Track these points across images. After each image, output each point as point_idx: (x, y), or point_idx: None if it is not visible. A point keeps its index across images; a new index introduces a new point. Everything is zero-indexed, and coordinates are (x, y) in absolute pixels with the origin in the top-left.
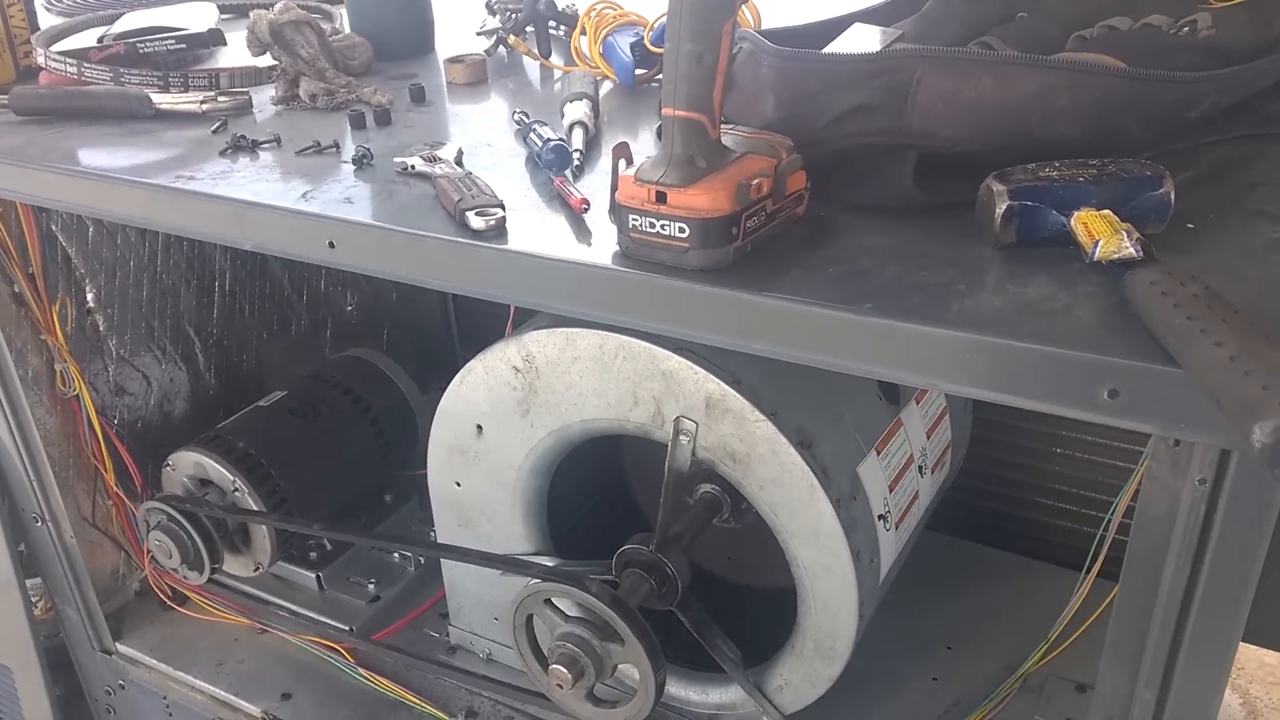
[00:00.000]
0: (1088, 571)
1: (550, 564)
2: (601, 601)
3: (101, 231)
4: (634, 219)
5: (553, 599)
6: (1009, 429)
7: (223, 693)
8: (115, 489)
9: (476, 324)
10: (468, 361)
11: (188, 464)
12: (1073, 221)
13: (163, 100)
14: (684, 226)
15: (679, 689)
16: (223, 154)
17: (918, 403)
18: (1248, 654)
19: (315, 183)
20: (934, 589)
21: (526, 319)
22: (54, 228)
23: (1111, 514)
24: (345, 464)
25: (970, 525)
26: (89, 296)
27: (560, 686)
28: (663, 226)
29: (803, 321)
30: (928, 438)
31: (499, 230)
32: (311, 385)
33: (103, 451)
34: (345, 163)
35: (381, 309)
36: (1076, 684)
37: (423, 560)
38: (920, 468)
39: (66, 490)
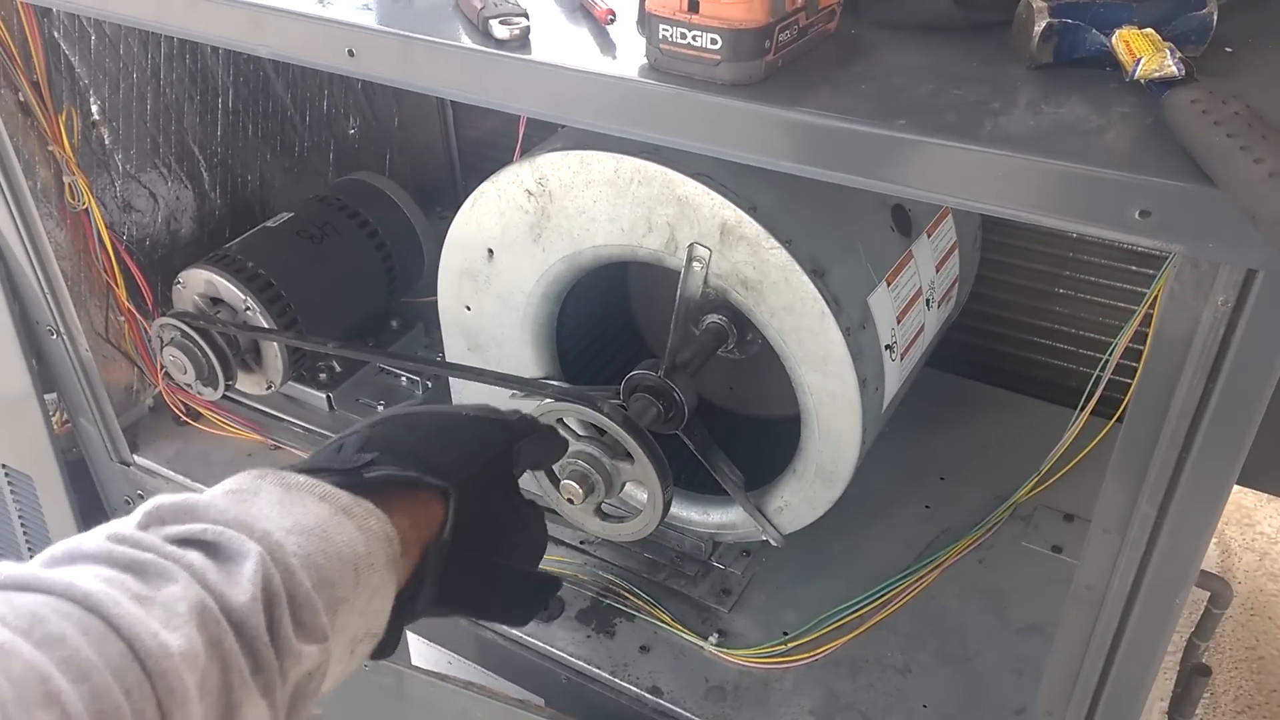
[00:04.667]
0: (1082, 408)
1: (561, 386)
2: (613, 421)
3: (104, 40)
4: (664, 29)
5: (565, 419)
6: (1012, 269)
7: None
8: (127, 304)
9: (478, 152)
10: (468, 188)
11: (199, 282)
12: (1114, 40)
13: None
14: (716, 38)
15: (681, 509)
16: None
17: (929, 235)
18: None
19: None
20: (930, 423)
21: (533, 145)
22: (56, 34)
23: (1110, 353)
24: (353, 287)
25: (969, 363)
26: (94, 108)
27: (571, 501)
28: (694, 37)
29: (833, 138)
30: (936, 271)
31: (523, 40)
32: (318, 207)
33: (113, 266)
34: None
35: (384, 134)
36: (1064, 514)
37: (430, 384)
38: (928, 301)
39: (80, 304)
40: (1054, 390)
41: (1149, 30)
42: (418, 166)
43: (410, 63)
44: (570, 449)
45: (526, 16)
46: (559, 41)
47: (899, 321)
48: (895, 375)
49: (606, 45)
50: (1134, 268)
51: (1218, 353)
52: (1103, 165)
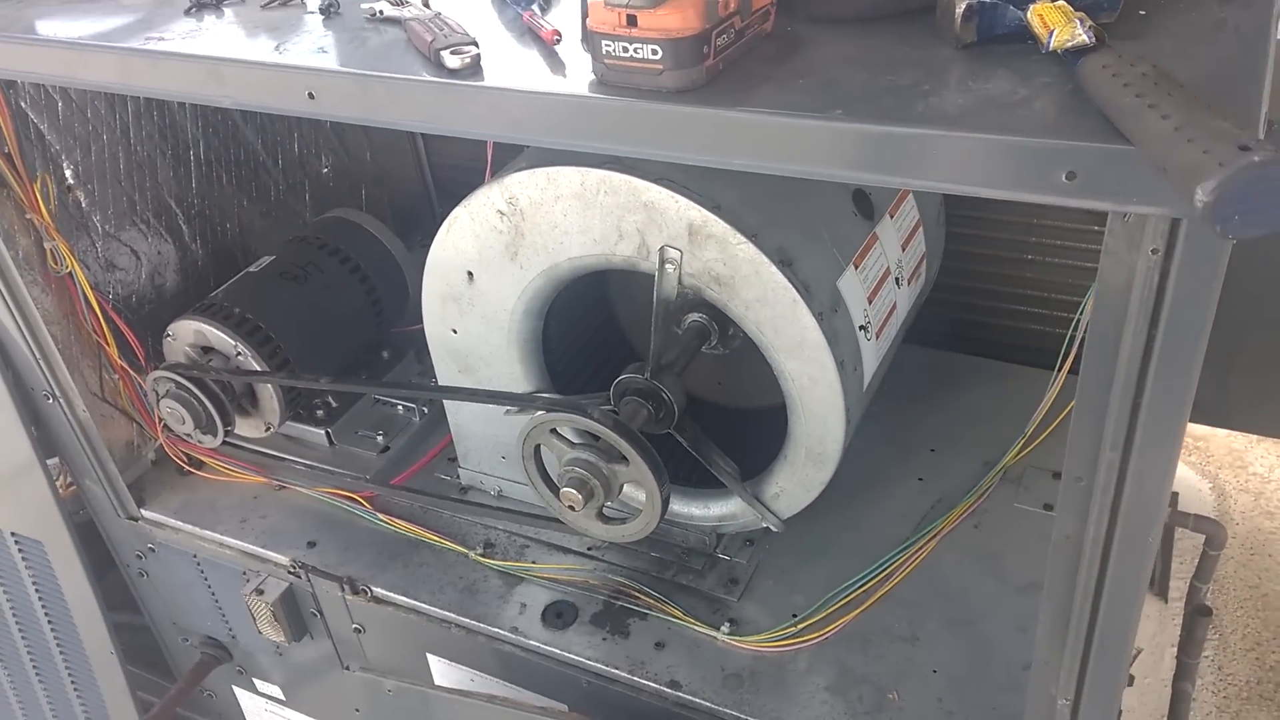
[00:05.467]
0: (1059, 368)
1: (552, 398)
2: (604, 425)
3: (70, 105)
4: (607, 45)
5: (558, 428)
6: (980, 240)
7: (251, 546)
8: (120, 362)
9: (452, 178)
10: (445, 215)
11: (188, 332)
12: (1029, 14)
13: None
14: (657, 48)
15: (681, 506)
16: (188, 13)
17: (891, 217)
18: (1217, 441)
19: (286, 35)
20: (914, 398)
21: (503, 165)
22: (23, 104)
23: (1080, 313)
24: (341, 322)
25: (946, 336)
26: (67, 173)
27: (572, 508)
28: (636, 50)
29: (777, 133)
30: (903, 250)
31: (474, 68)
32: (299, 248)
33: (102, 326)
34: (311, 13)
35: (357, 169)
36: (1053, 472)
37: (427, 410)
38: (897, 279)
39: (73, 366)
40: (1030, 354)
41: (1061, 3)
42: (394, 198)
43: (369, 100)
44: (566, 458)
45: (476, 45)
46: (509, 65)
47: (870, 302)
48: (872, 354)
49: (556, 65)
50: (1096, 227)
51: (1155, 298)
52: (1028, 134)
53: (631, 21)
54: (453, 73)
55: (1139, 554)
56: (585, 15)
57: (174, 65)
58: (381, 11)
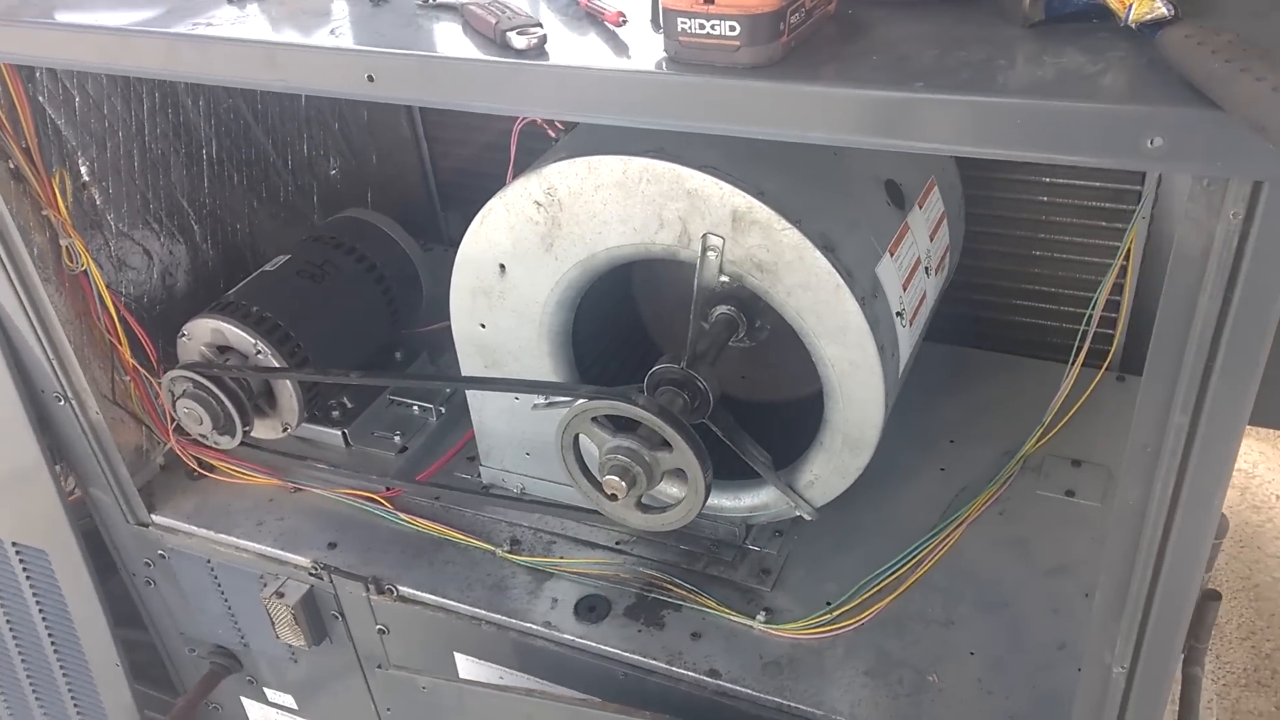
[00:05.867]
0: (1074, 360)
1: (595, 388)
2: (649, 412)
3: (88, 100)
4: (683, 22)
5: (599, 417)
6: (991, 237)
7: (269, 549)
8: (132, 363)
9: (456, 181)
10: (448, 219)
11: (204, 331)
12: None
13: None
14: (734, 24)
15: (713, 497)
16: (232, 1)
17: (920, 207)
18: None
19: (336, 21)
20: (932, 392)
21: (525, 167)
22: (41, 98)
23: (1093, 307)
24: (357, 321)
25: (960, 332)
26: (83, 170)
27: (614, 497)
28: (713, 26)
29: (859, 105)
30: (931, 240)
31: (540, 49)
32: (315, 247)
33: (116, 326)
34: (360, 2)
35: (364, 172)
36: (1072, 460)
37: (444, 410)
38: (926, 269)
39: (85, 367)
40: (1041, 348)
41: None
42: (398, 201)
43: (432, 81)
44: (608, 446)
45: (541, 26)
46: (571, 47)
47: (905, 289)
48: (907, 341)
49: (619, 46)
50: (1103, 223)
51: (1234, 261)
52: (1115, 101)
53: None
54: (520, 53)
55: (1205, 519)
56: None
57: (225, 50)
58: None
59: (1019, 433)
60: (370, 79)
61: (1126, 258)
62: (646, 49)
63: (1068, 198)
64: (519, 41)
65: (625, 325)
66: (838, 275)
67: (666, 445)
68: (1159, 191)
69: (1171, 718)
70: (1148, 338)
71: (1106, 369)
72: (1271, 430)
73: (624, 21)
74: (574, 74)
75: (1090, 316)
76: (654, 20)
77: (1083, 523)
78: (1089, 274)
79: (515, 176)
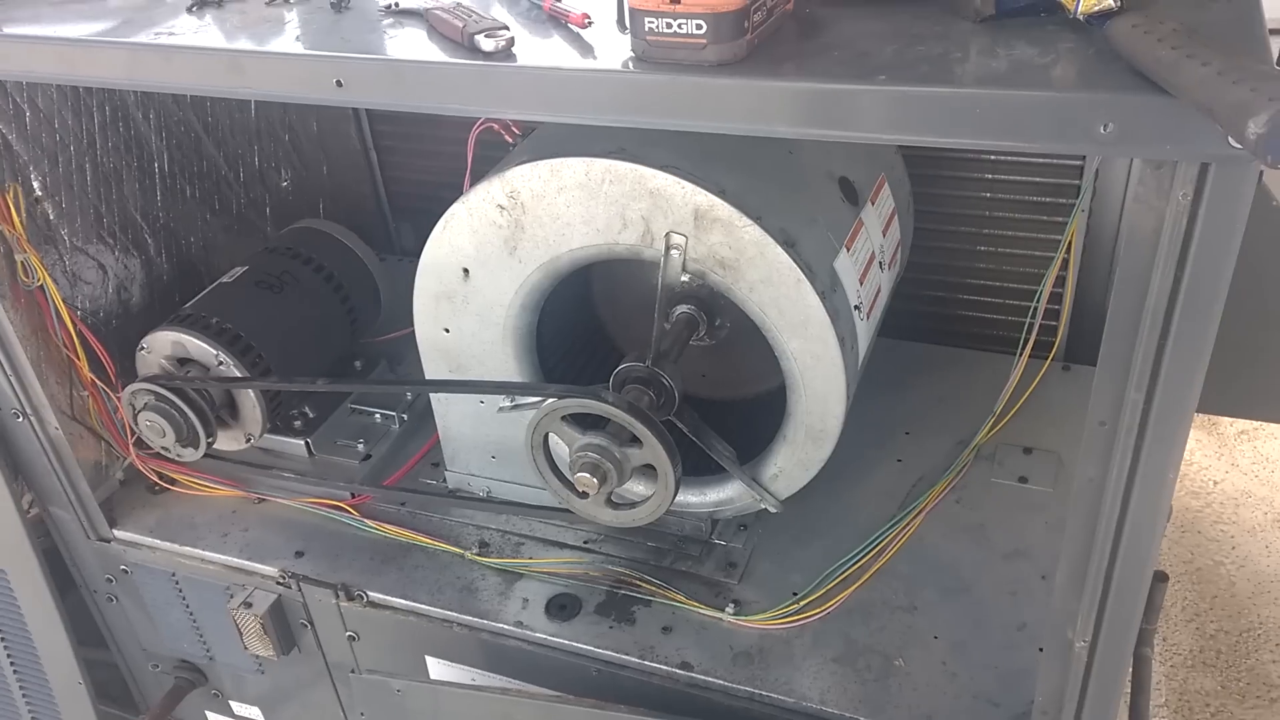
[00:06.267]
0: (1021, 351)
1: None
2: (618, 409)
3: (38, 115)
4: (650, 21)
5: (568, 415)
6: (938, 234)
7: (235, 559)
8: (90, 378)
9: (406, 192)
10: (399, 231)
11: (165, 344)
12: None
13: None
14: (701, 23)
15: (679, 494)
16: (190, 10)
17: (872, 204)
18: None
19: (300, 27)
20: (885, 385)
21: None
22: None
23: (1038, 300)
24: (317, 331)
25: (910, 328)
26: (35, 184)
27: (585, 494)
28: (680, 25)
29: (824, 99)
30: (883, 235)
31: (508, 51)
32: (272, 258)
33: (74, 341)
34: (321, 9)
35: (315, 183)
36: (1024, 448)
37: (405, 418)
38: (880, 263)
39: (43, 383)
40: (988, 340)
41: None
42: (349, 211)
43: (401, 85)
44: (578, 444)
45: (509, 29)
46: (540, 49)
47: (861, 283)
48: (865, 334)
49: (585, 47)
50: (1044, 217)
51: (1184, 241)
52: (1068, 89)
53: None
54: (488, 55)
55: (1161, 491)
56: None
57: (189, 58)
58: (398, 4)
59: (971, 423)
60: (339, 84)
61: (1068, 251)
62: (612, 49)
63: (1010, 194)
64: (487, 44)
65: (585, 327)
66: (799, 270)
67: (636, 441)
68: (1096, 185)
69: (1122, 698)
70: (1090, 327)
71: (1052, 359)
72: (1208, 417)
73: (589, 23)
74: (545, 74)
75: (1035, 309)
76: (619, 20)
77: (1036, 508)
78: (1031, 267)
79: (474, 181)
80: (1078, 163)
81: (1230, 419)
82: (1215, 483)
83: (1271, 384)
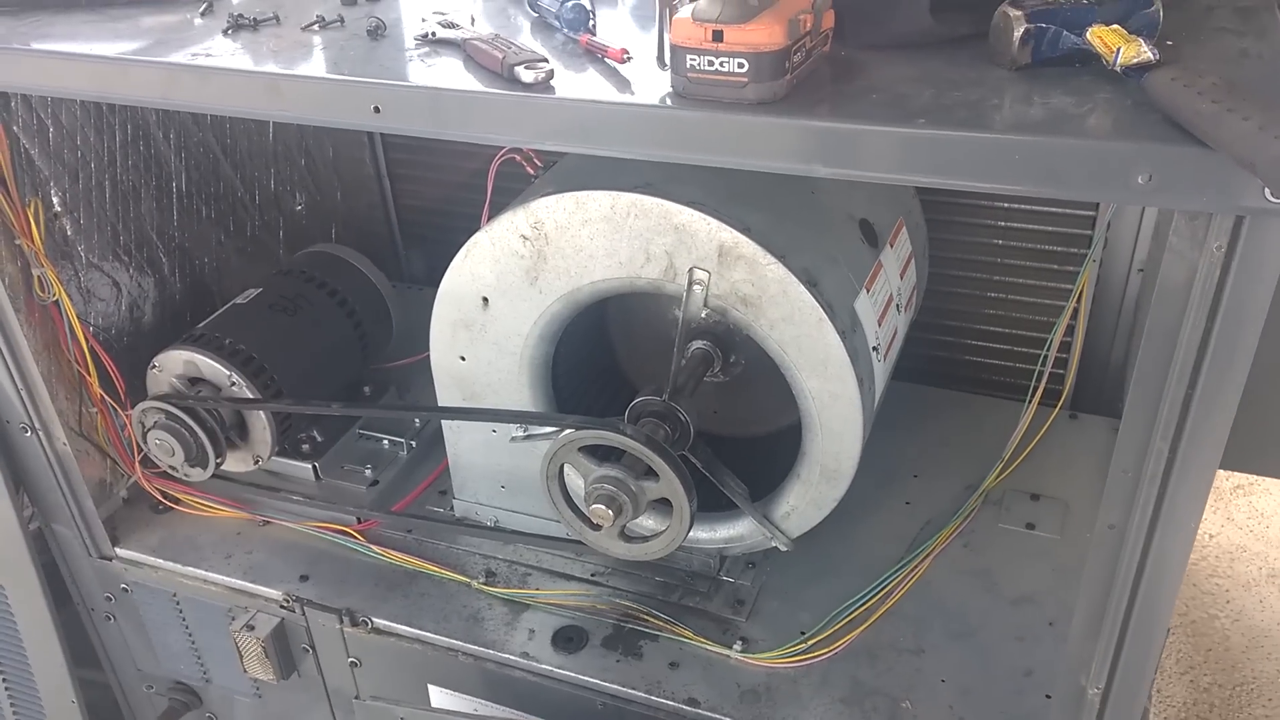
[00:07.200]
0: (1031, 398)
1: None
2: (637, 441)
3: (61, 131)
4: (692, 59)
5: (584, 447)
6: (950, 279)
7: (239, 581)
8: (100, 394)
9: (417, 220)
10: (410, 258)
11: (177, 363)
12: (1089, 36)
13: None
14: (743, 61)
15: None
16: (225, 33)
17: (891, 246)
18: None
19: (337, 53)
20: (894, 429)
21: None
22: (15, 128)
23: (1048, 348)
24: (329, 355)
25: (919, 371)
26: (55, 200)
27: (600, 526)
28: (721, 63)
29: (864, 140)
30: (901, 278)
31: (547, 84)
32: (287, 281)
33: (86, 357)
34: (358, 35)
35: (329, 208)
36: (1031, 494)
37: (414, 444)
38: (898, 306)
39: (54, 398)
40: (995, 386)
41: (1115, 26)
42: (361, 238)
43: (440, 113)
44: (593, 475)
45: (548, 61)
46: (577, 82)
47: (880, 324)
48: (882, 375)
49: (621, 82)
50: (1055, 266)
51: (1216, 292)
52: (1105, 139)
53: (718, 37)
54: (528, 87)
55: (1182, 540)
56: (664, 31)
57: (227, 80)
58: (434, 34)
59: (979, 468)
60: (376, 110)
61: (1079, 300)
62: (650, 84)
63: (1021, 241)
64: (527, 76)
65: (599, 359)
66: (821, 309)
67: (652, 474)
68: (1108, 236)
69: None
70: (1097, 377)
71: (1060, 407)
72: None
73: (628, 59)
74: (586, 107)
75: (1045, 357)
76: (659, 57)
77: (1043, 554)
78: (1040, 315)
79: (493, 212)
80: (1090, 213)
81: (1226, 472)
82: (1211, 536)
83: (1267, 438)
